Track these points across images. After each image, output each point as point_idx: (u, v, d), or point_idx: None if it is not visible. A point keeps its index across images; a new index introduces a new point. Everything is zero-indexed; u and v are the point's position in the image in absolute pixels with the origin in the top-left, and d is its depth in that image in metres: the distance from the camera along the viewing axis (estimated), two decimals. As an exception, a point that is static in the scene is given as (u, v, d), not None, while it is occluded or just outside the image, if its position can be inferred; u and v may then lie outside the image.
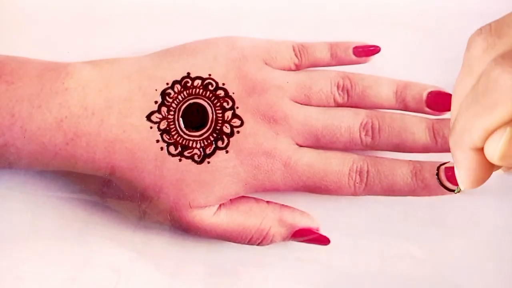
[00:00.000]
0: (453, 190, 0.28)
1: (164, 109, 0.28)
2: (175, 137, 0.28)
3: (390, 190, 0.29)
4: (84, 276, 0.30)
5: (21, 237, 0.31)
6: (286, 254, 0.32)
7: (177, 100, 0.29)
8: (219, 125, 0.29)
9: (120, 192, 0.29)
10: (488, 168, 0.20)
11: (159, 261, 0.31)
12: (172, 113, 0.29)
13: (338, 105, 0.31)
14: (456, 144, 0.20)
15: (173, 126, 0.28)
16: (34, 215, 0.31)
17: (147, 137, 0.28)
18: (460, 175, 0.20)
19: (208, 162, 0.28)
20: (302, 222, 0.30)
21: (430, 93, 0.30)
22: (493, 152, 0.18)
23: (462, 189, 0.21)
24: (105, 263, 0.31)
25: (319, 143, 0.30)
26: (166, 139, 0.28)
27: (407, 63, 0.34)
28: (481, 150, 0.19)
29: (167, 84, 0.29)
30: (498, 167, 0.20)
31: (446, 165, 0.28)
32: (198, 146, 0.28)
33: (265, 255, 0.31)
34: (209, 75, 0.29)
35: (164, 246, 0.31)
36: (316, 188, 0.29)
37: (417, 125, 0.30)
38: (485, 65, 0.19)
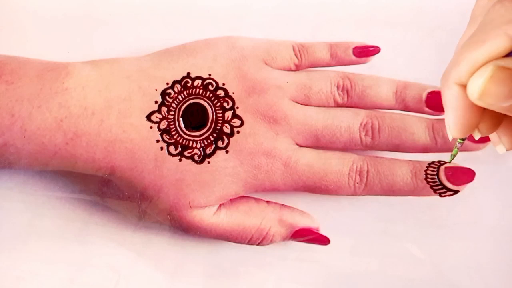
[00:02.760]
0: (453, 190, 0.28)
1: (164, 109, 0.28)
2: (175, 137, 0.28)
3: (390, 190, 0.29)
4: (84, 276, 0.30)
5: (21, 237, 0.31)
6: (286, 254, 0.32)
7: (177, 100, 0.29)
8: (219, 125, 0.29)
9: (120, 192, 0.29)
10: (475, 112, 0.19)
11: (159, 261, 0.31)
12: (172, 113, 0.29)
13: (338, 105, 0.31)
14: (444, 81, 0.19)
15: (173, 126, 0.28)
16: (34, 215, 0.31)
17: (147, 137, 0.28)
18: (448, 118, 0.20)
19: (208, 162, 0.28)
20: (302, 222, 0.30)
21: (430, 93, 0.30)
22: (474, 89, 0.18)
23: (450, 137, 0.20)
24: (105, 263, 0.31)
25: (319, 143, 0.30)
26: (166, 139, 0.28)
27: (407, 63, 0.34)
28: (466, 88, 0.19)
29: (167, 84, 0.29)
30: (486, 120, 0.20)
31: (446, 165, 0.28)
32: (198, 146, 0.28)
33: (265, 255, 0.31)
34: (209, 75, 0.29)
35: (164, 246, 0.31)
36: (316, 188, 0.29)
37: (417, 125, 0.30)
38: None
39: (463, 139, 0.23)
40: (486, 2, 0.20)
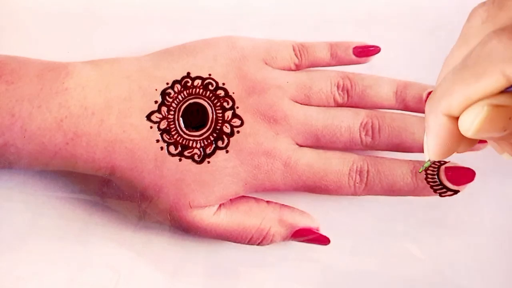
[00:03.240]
0: (453, 190, 0.28)
1: (164, 108, 0.28)
2: (175, 137, 0.28)
3: (390, 190, 0.29)
4: (84, 276, 0.30)
5: (21, 237, 0.31)
6: (286, 254, 0.32)
7: (177, 100, 0.29)
8: (219, 125, 0.29)
9: (120, 192, 0.29)
10: (457, 139, 0.19)
11: (159, 261, 0.31)
12: (172, 113, 0.29)
13: (338, 105, 0.31)
14: (431, 108, 0.19)
15: (173, 126, 0.28)
16: (34, 215, 0.31)
17: (147, 137, 0.28)
18: (429, 142, 0.20)
19: (208, 162, 0.28)
20: (302, 222, 0.30)
21: (430, 93, 0.30)
22: (469, 125, 0.18)
23: (427, 158, 0.21)
24: (105, 263, 0.31)
25: (319, 143, 0.30)
26: (166, 139, 0.28)
27: (407, 63, 0.34)
28: (454, 119, 0.19)
29: (167, 84, 0.29)
30: (466, 142, 0.20)
31: (446, 165, 0.28)
32: (198, 146, 0.28)
33: (265, 255, 0.31)
34: (209, 75, 0.29)
35: (164, 246, 0.31)
36: (316, 188, 0.29)
37: (417, 125, 0.30)
38: (483, 36, 0.18)
39: None
40: (480, 24, 0.19)
